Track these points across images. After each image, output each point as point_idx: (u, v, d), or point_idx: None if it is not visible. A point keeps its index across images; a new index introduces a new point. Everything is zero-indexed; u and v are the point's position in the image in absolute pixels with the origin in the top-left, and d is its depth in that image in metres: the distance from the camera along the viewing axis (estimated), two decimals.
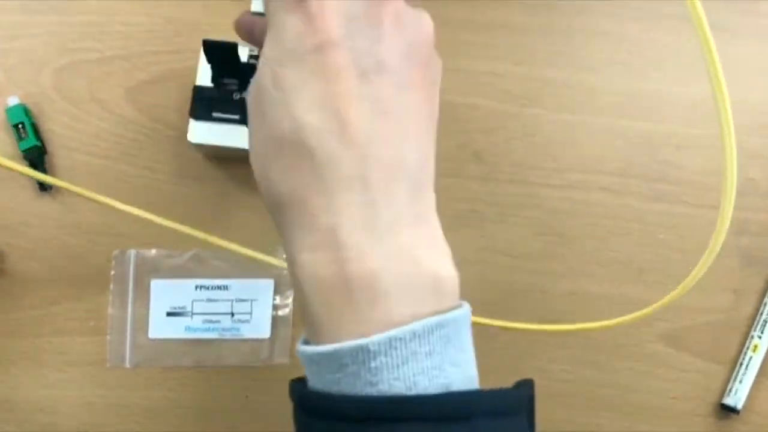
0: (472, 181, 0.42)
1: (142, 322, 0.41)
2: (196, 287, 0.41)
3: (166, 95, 0.42)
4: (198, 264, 0.41)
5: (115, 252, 0.41)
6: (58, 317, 0.41)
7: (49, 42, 0.42)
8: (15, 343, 0.41)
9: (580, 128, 0.43)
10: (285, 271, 0.41)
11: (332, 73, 0.24)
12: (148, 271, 0.41)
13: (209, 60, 0.37)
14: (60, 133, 0.41)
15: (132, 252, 0.41)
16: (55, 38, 0.42)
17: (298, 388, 0.26)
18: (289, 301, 0.41)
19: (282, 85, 0.24)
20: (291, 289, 0.41)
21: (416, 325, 0.24)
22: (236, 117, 0.39)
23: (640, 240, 0.42)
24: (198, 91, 0.39)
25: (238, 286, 0.42)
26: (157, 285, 0.41)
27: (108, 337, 0.41)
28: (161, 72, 0.42)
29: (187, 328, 0.41)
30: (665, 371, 0.42)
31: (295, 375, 0.36)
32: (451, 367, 0.25)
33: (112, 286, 0.41)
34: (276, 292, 0.42)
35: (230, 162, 0.42)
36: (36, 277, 0.40)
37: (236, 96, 0.39)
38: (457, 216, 0.42)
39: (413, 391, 0.24)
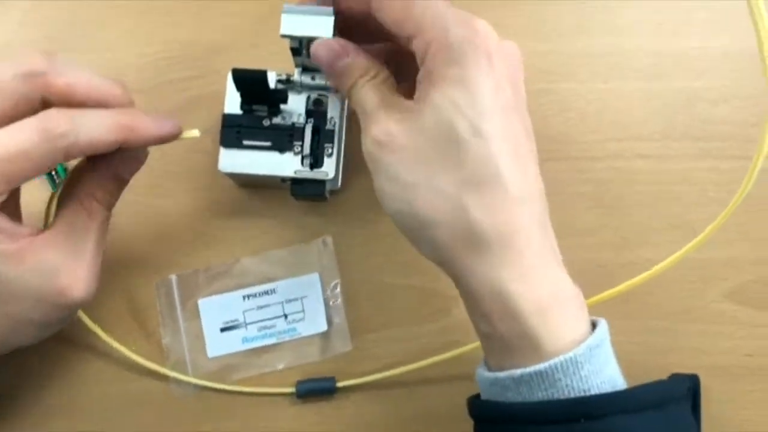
0: None
1: (198, 343, 0.41)
2: (244, 297, 0.41)
3: (195, 122, 0.41)
4: (240, 274, 0.41)
5: (157, 281, 0.41)
6: (115, 356, 0.41)
7: None
8: (75, 389, 0.41)
9: (615, 96, 0.42)
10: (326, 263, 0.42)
11: (514, 129, 0.29)
12: (193, 291, 0.41)
13: (238, 89, 0.37)
14: None
15: (173, 277, 0.41)
16: None
17: (496, 404, 0.30)
18: (338, 290, 0.42)
19: (483, 134, 0.28)
20: (338, 279, 0.42)
21: (600, 332, 0.29)
22: (267, 144, 0.38)
23: (691, 201, 0.42)
24: (227, 119, 0.38)
25: (284, 286, 0.41)
26: (205, 303, 0.41)
27: (168, 367, 0.41)
28: (187, 99, 0.42)
29: (245, 340, 0.41)
30: (735, 329, 0.41)
31: (360, 360, 0.41)
32: (617, 365, 0.30)
33: (160, 316, 0.41)
34: (323, 284, 0.42)
35: (263, 189, 0.42)
36: (83, 319, 0.40)
37: (266, 122, 0.38)
38: None
39: (618, 388, 0.29)
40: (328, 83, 0.38)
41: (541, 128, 0.41)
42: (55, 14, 0.42)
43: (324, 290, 0.42)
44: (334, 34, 0.34)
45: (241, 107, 0.38)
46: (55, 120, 0.29)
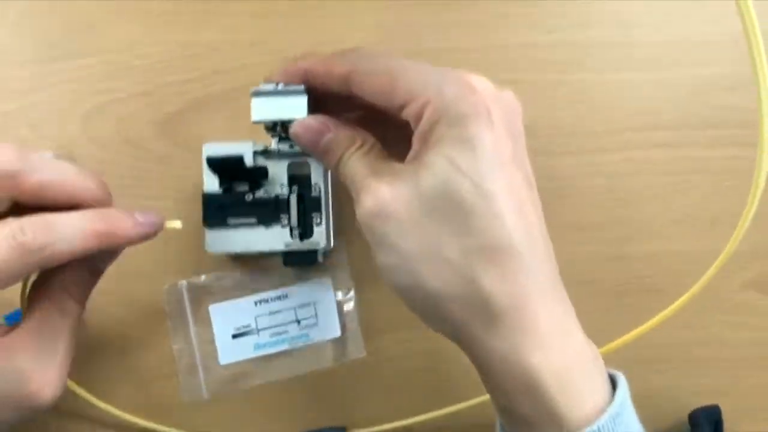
0: (532, 157, 0.41)
1: (209, 350, 0.40)
2: (256, 302, 0.40)
3: (198, 124, 0.41)
4: (251, 279, 0.40)
5: (166, 286, 0.40)
6: (130, 369, 0.40)
7: (70, 89, 0.41)
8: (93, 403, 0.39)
9: (627, 86, 0.41)
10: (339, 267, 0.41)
11: (517, 183, 0.28)
12: (203, 297, 0.40)
13: (215, 173, 0.36)
14: None
15: (183, 282, 0.40)
16: (75, 84, 0.41)
17: None
18: (351, 294, 0.41)
19: (486, 194, 0.26)
20: (351, 284, 0.41)
21: (621, 395, 0.27)
22: (252, 220, 0.37)
23: (708, 190, 0.41)
24: (207, 199, 0.37)
25: (297, 291, 0.40)
26: (216, 309, 0.40)
27: (179, 374, 0.40)
28: (189, 101, 0.41)
29: (257, 346, 0.40)
30: (759, 319, 0.40)
31: (374, 365, 0.40)
32: (640, 424, 0.28)
33: (170, 322, 0.40)
34: (336, 288, 0.41)
35: None
36: (96, 333, 0.38)
37: (248, 198, 0.37)
38: None
39: None
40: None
41: (551, 121, 0.41)
42: (51, 16, 0.41)
43: (336, 294, 0.41)
44: (309, 111, 0.32)
45: (221, 185, 0.37)
46: (30, 233, 0.27)
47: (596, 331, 0.39)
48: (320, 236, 0.37)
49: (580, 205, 0.41)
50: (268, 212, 0.37)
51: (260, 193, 0.37)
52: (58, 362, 0.30)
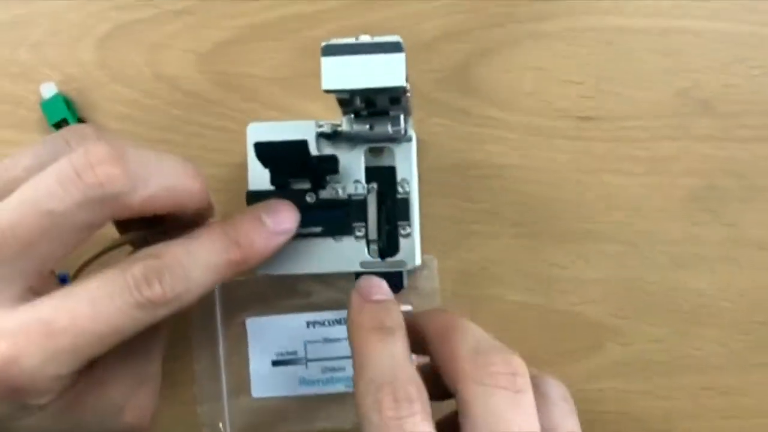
0: (705, 143, 0.31)
1: (240, 375, 0.33)
2: (308, 324, 0.33)
3: (257, 61, 0.32)
4: (306, 292, 0.33)
5: None
6: None
7: (84, 1, 0.32)
8: None
9: None
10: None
11: None
12: (241, 305, 0.33)
13: (266, 166, 0.29)
14: (117, 128, 0.32)
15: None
16: None
17: None
18: None
19: None
20: None
21: None
22: (316, 230, 0.29)
23: None
24: (253, 199, 0.29)
25: None
26: (254, 324, 0.33)
27: (197, 402, 0.33)
28: (245, 27, 0.32)
29: (303, 381, 0.33)
30: None
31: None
32: None
33: (195, 333, 0.33)
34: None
35: None
36: None
37: (310, 199, 0.29)
38: (688, 196, 0.31)
39: None
40: (394, 132, 0.29)
41: (746, 94, 0.31)
42: None
43: None
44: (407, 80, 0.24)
45: (273, 182, 0.30)
46: (158, 286, 0.23)
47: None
48: (408, 253, 0.30)
49: None
50: (338, 219, 0.30)
51: (327, 193, 0.29)
52: (151, 387, 0.29)
